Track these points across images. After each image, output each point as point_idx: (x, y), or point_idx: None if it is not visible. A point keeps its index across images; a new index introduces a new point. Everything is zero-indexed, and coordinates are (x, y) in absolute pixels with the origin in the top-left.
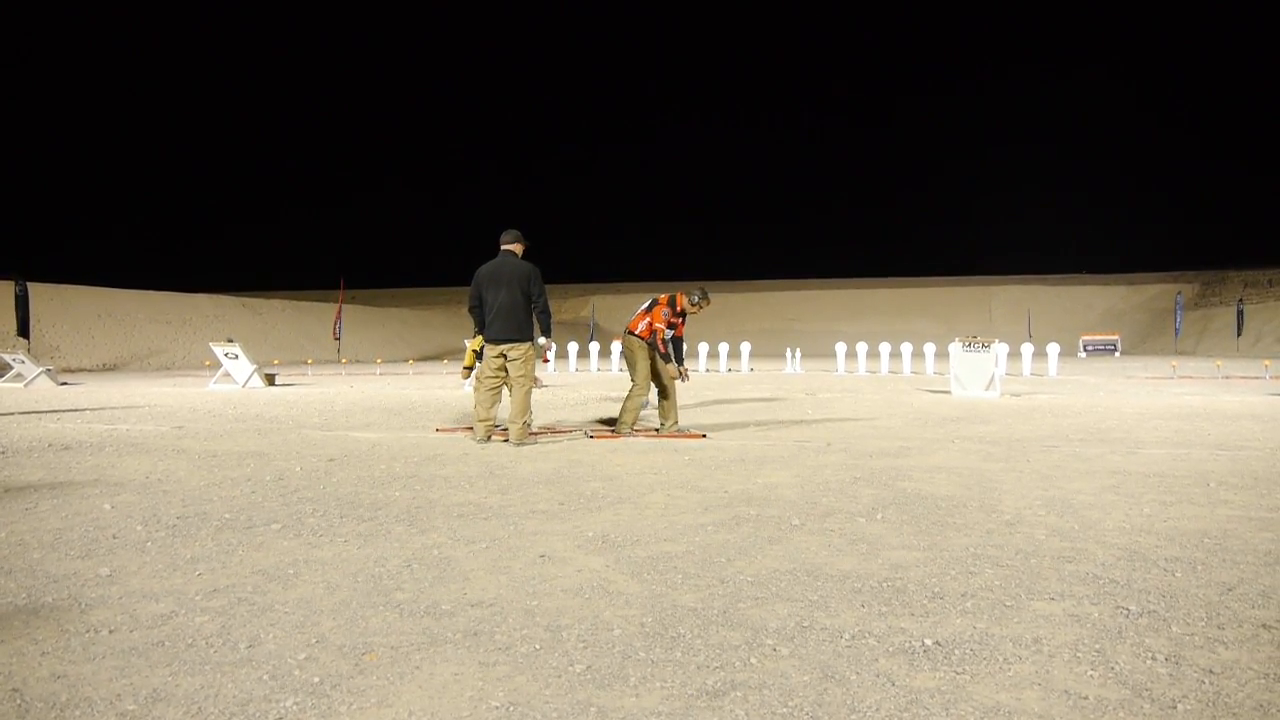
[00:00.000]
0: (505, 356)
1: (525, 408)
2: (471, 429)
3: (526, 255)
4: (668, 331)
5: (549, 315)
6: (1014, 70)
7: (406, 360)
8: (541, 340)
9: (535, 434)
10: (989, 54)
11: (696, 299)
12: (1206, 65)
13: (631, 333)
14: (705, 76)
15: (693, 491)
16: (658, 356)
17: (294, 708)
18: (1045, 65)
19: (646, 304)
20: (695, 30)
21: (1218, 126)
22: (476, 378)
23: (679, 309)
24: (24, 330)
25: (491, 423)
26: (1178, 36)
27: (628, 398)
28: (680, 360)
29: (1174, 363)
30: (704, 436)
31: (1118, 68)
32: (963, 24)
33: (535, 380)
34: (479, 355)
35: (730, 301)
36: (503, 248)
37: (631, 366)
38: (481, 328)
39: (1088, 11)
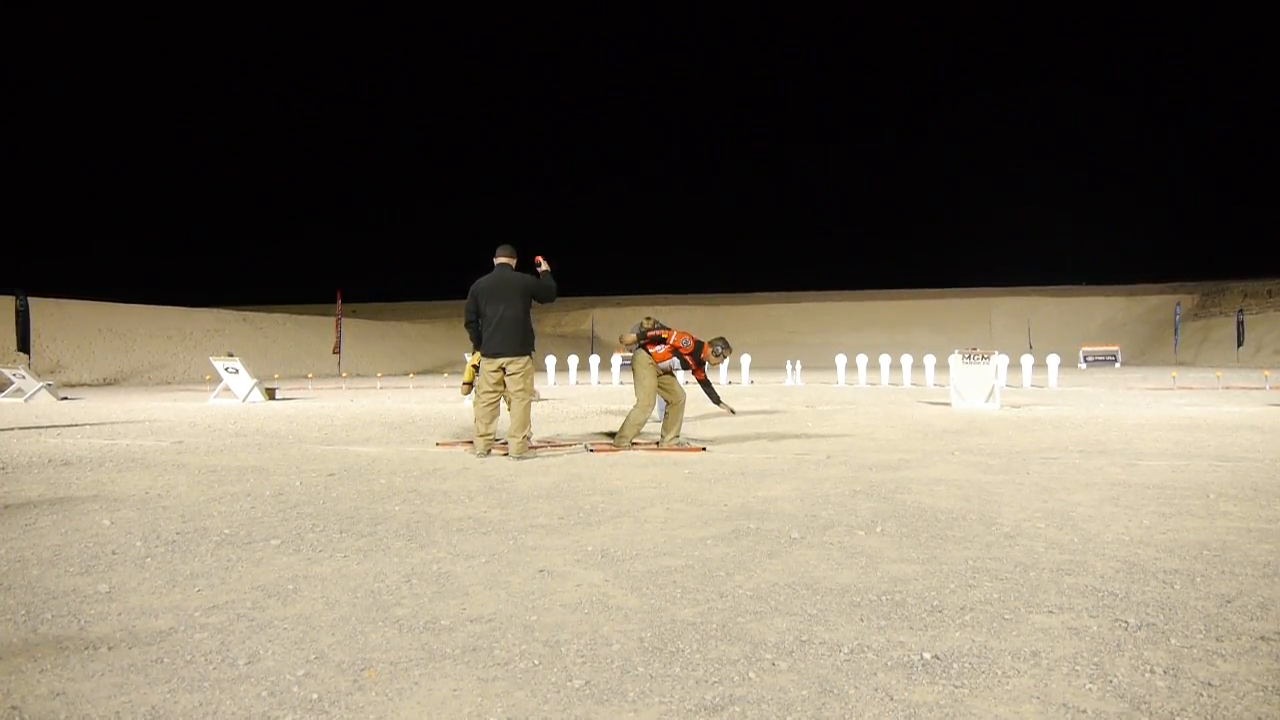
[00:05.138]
0: (504, 371)
1: (525, 421)
2: (472, 443)
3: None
4: (674, 360)
5: (554, 286)
6: (1014, 86)
7: (407, 374)
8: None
9: (535, 447)
10: (990, 71)
11: (719, 350)
12: (1205, 78)
13: (646, 350)
14: (706, 93)
15: (692, 505)
16: (707, 394)
17: None
18: (1045, 81)
19: (673, 342)
20: (697, 48)
21: (1216, 138)
22: (475, 393)
23: (702, 357)
24: (24, 345)
25: (491, 437)
26: (1177, 50)
27: (631, 412)
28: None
29: (1174, 373)
30: (704, 450)
31: (1117, 83)
32: (964, 42)
33: (534, 394)
34: (479, 370)
35: (730, 314)
36: (498, 261)
37: (637, 382)
38: (478, 342)
39: (1088, 29)
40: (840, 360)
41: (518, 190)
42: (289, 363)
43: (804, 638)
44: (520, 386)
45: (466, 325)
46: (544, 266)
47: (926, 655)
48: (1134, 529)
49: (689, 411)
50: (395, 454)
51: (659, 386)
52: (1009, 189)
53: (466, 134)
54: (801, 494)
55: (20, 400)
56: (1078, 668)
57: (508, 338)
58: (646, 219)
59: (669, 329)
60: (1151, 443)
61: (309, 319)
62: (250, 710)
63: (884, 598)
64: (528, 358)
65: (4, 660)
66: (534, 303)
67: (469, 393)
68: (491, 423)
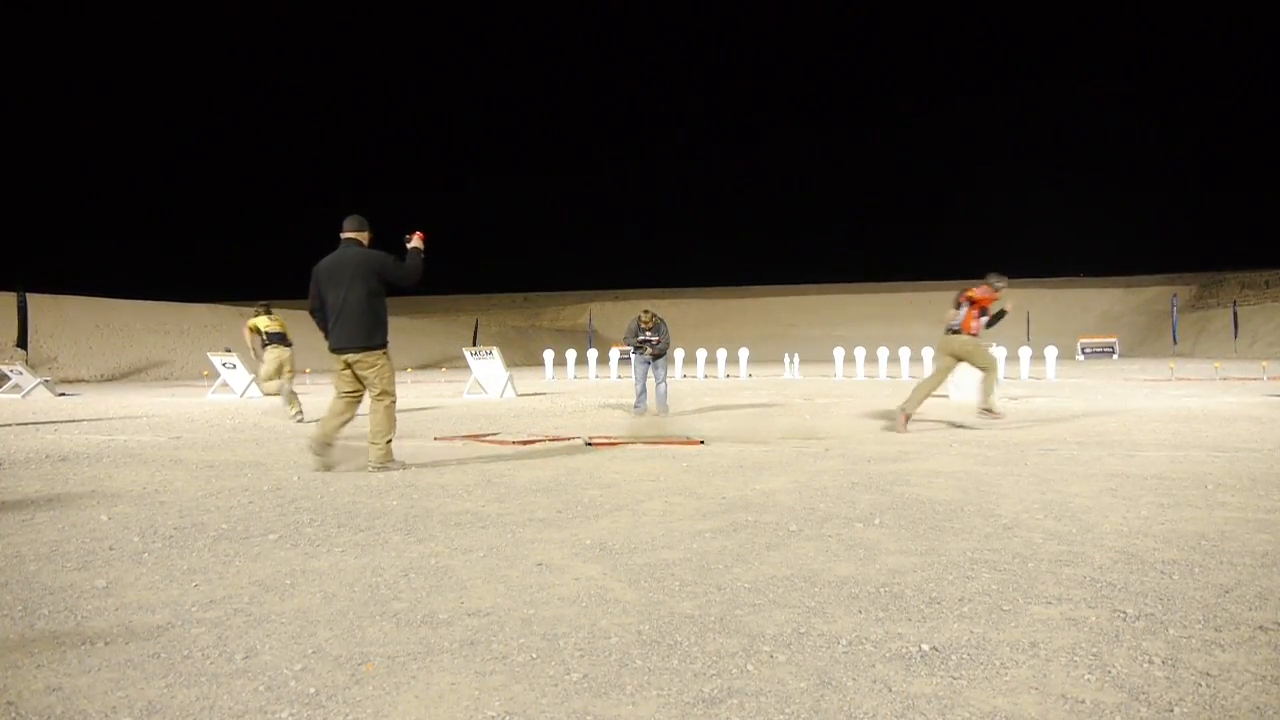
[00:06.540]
0: (352, 369)
1: (387, 427)
2: (466, 439)
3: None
4: (980, 318)
5: (419, 267)
6: (1012, 79)
7: (404, 369)
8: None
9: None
10: (987, 63)
11: (998, 284)
12: (1204, 70)
13: (963, 333)
14: (704, 86)
15: (690, 498)
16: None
17: (290, 719)
18: (1043, 74)
19: (959, 312)
20: (694, 41)
21: (1214, 130)
22: (262, 377)
23: (990, 298)
24: (22, 341)
25: (336, 430)
26: (1176, 44)
27: (986, 379)
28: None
29: (1171, 364)
30: (701, 443)
31: (1116, 75)
32: (962, 35)
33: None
34: (264, 338)
35: (728, 308)
36: (343, 237)
37: (975, 359)
38: (326, 335)
39: (1087, 22)
40: (838, 353)
41: (513, 184)
42: None
43: (802, 630)
44: (379, 388)
45: (312, 314)
46: (413, 243)
47: (925, 647)
48: (1132, 520)
49: (688, 405)
50: (392, 448)
51: (962, 355)
52: (1007, 182)
53: (463, 127)
54: (800, 486)
55: (18, 396)
56: (1076, 658)
57: (347, 329)
58: (644, 214)
59: (973, 305)
60: (1149, 433)
61: (306, 314)
62: (247, 705)
63: (882, 590)
64: (378, 352)
65: (1, 656)
66: (386, 284)
67: (273, 377)
68: (338, 420)
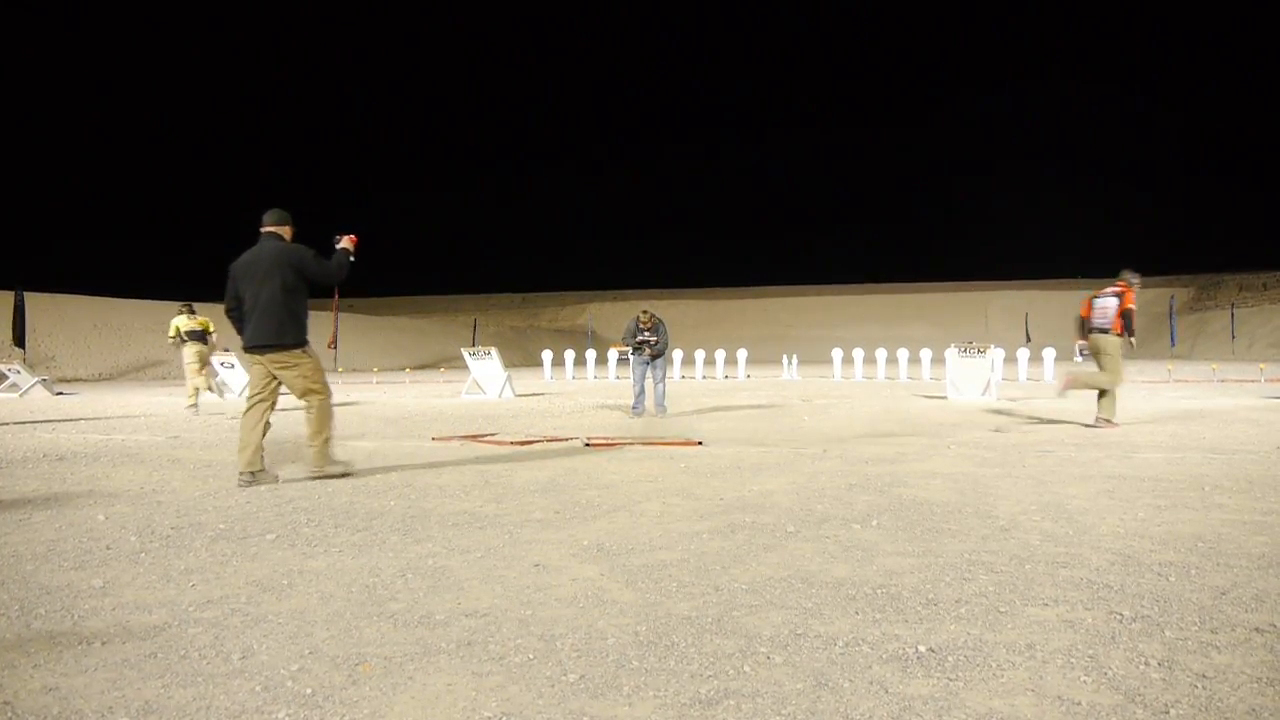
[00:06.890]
0: (270, 370)
1: (324, 424)
2: (465, 439)
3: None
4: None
5: (343, 266)
6: (1009, 80)
7: (403, 369)
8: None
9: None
10: (985, 65)
11: (1134, 280)
12: (1204, 71)
13: (1106, 331)
14: (703, 88)
15: (688, 499)
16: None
17: (287, 719)
18: (1044, 75)
19: (1112, 303)
20: (693, 42)
21: (1212, 132)
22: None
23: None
24: (19, 340)
25: (257, 451)
26: (1176, 45)
27: (1110, 388)
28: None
29: (1169, 366)
30: (699, 444)
31: (1111, 77)
32: (960, 36)
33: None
34: (186, 338)
35: (727, 308)
36: (264, 230)
37: (1109, 360)
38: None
39: (1082, 23)
40: (837, 354)
41: (512, 184)
42: None
43: (799, 631)
44: (303, 388)
45: (227, 314)
46: (342, 244)
47: (921, 648)
48: (1129, 521)
49: (686, 405)
50: (391, 448)
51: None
52: (1005, 183)
53: (460, 127)
54: (797, 487)
55: (15, 395)
56: (1072, 660)
57: (260, 326)
58: (644, 214)
59: (1121, 301)
60: (1147, 435)
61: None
62: (244, 705)
63: (879, 591)
64: (295, 351)
65: None
66: (305, 280)
67: (200, 374)
68: (251, 437)
